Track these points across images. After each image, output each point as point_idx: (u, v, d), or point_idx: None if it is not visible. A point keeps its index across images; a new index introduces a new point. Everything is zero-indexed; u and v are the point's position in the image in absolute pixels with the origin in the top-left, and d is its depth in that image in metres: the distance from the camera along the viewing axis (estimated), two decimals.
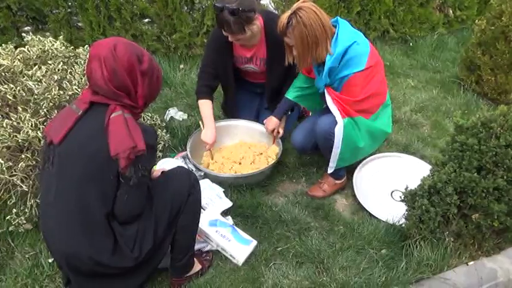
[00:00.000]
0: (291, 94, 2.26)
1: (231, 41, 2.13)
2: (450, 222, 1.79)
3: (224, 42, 2.16)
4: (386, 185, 2.31)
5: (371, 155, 2.40)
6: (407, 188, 1.90)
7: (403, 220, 1.93)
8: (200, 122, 2.35)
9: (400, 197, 1.94)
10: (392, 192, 2.28)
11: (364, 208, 2.14)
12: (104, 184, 1.34)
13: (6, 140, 1.73)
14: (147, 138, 1.35)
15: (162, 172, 1.65)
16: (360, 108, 1.97)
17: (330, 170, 2.15)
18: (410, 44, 4.02)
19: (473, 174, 1.66)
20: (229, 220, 2.02)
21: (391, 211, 2.04)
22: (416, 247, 1.82)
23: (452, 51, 3.95)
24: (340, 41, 1.89)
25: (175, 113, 2.84)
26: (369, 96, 1.97)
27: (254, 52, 2.29)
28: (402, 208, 1.93)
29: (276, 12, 3.46)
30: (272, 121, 2.31)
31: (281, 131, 2.36)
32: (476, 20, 3.19)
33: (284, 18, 1.86)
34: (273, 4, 3.48)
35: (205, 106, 2.33)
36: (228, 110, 2.63)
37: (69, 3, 3.14)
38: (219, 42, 2.20)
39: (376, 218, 2.08)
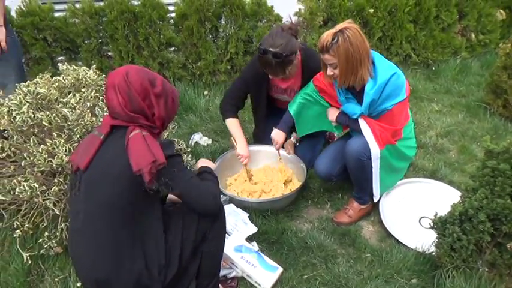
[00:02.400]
0: (293, 106, 2.27)
1: None
2: (484, 251, 1.73)
3: (263, 71, 2.22)
4: (414, 211, 2.26)
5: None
6: (436, 214, 1.85)
7: (433, 248, 1.88)
8: (232, 139, 2.43)
9: (430, 224, 1.90)
10: (421, 218, 2.22)
11: (392, 235, 2.10)
12: (131, 203, 1.36)
13: (41, 165, 1.79)
14: (165, 150, 1.38)
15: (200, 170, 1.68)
16: (399, 136, 2.01)
17: (375, 199, 2.18)
18: (433, 68, 4.01)
19: (507, 201, 1.61)
20: (254, 246, 2.01)
21: (420, 238, 1.99)
22: (449, 277, 1.75)
23: (476, 75, 3.91)
24: (380, 71, 1.90)
25: (200, 138, 2.89)
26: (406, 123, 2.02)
27: (290, 84, 2.36)
28: (432, 235, 1.88)
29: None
30: (279, 134, 2.32)
31: (291, 152, 2.42)
32: (501, 44, 3.17)
33: (329, 35, 1.85)
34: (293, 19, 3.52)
35: (235, 124, 2.42)
36: (257, 135, 2.67)
37: (101, 34, 3.30)
38: (259, 69, 2.24)
39: (405, 245, 2.03)
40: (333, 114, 2.17)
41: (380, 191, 2.15)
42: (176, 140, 2.48)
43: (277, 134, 2.34)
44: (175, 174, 1.40)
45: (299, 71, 2.30)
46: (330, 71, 1.93)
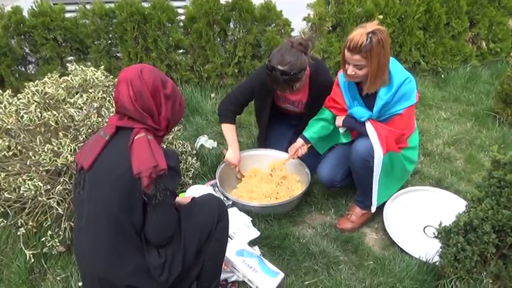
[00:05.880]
0: (309, 133, 2.25)
1: None
2: (488, 262, 1.70)
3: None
4: (419, 220, 2.24)
5: (401, 188, 2.35)
6: (441, 223, 1.83)
7: (437, 258, 1.85)
8: (225, 143, 2.43)
9: (434, 233, 1.87)
10: (425, 227, 2.20)
11: (395, 243, 2.08)
12: (132, 204, 1.37)
13: (46, 164, 1.81)
14: (168, 159, 1.39)
15: (192, 198, 1.68)
16: (404, 143, 2.01)
17: (373, 209, 2.16)
18: (442, 75, 3.97)
19: None
20: (256, 250, 2.00)
21: (424, 247, 1.96)
22: (452, 287, 1.73)
23: (486, 83, 3.87)
24: (395, 75, 1.90)
25: (206, 141, 2.89)
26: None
27: (298, 98, 2.36)
28: (436, 245, 1.86)
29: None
30: (298, 141, 2.29)
31: (297, 155, 2.33)
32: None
33: (362, 35, 1.79)
34: (305, 34, 3.52)
35: (229, 129, 2.41)
36: (260, 140, 2.67)
37: (110, 35, 3.33)
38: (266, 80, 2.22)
39: (408, 254, 2.01)
40: (339, 119, 2.16)
41: (377, 201, 2.14)
42: (181, 142, 2.49)
43: (297, 142, 2.30)
44: (166, 191, 1.38)
45: (307, 85, 2.29)
46: (351, 71, 1.88)
